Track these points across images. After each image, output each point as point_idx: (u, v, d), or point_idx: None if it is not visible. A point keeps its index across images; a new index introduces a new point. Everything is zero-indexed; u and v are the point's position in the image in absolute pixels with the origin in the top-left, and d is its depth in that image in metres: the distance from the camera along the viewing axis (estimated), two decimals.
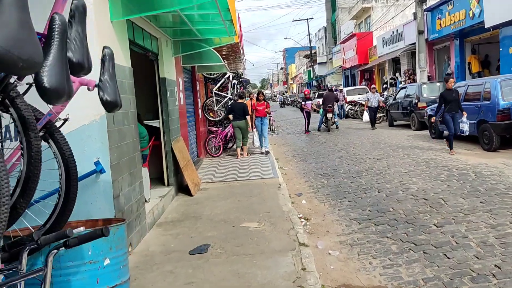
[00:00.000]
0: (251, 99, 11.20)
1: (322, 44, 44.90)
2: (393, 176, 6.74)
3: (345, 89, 22.47)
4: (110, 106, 2.10)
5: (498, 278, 3.14)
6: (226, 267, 3.57)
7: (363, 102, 18.43)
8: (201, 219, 5.17)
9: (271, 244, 4.06)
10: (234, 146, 11.72)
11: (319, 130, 15.44)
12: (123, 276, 2.23)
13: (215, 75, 11.53)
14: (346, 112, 20.64)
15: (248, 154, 10.31)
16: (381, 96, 16.89)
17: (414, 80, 17.41)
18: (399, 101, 14.53)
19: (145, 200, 5.24)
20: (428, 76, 16.98)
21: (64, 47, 1.64)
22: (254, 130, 10.82)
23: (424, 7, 16.55)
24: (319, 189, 6.71)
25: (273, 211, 5.23)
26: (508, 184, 5.56)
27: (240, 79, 14.18)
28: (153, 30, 5.96)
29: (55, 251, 1.60)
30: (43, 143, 1.90)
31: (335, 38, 40.08)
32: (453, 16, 14.71)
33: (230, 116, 10.28)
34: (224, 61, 11.27)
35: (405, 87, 14.90)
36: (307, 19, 43.29)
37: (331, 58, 38.95)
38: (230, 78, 11.60)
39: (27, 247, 1.61)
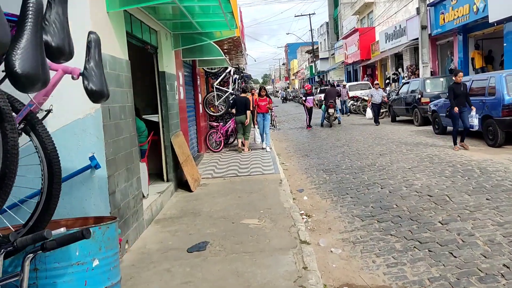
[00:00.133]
0: (252, 94, 11.03)
1: (324, 39, 44.59)
2: (396, 172, 6.62)
3: (347, 85, 22.24)
4: (95, 96, 1.96)
5: (508, 278, 3.02)
6: (224, 266, 3.46)
7: (366, 98, 18.26)
8: (200, 215, 5.07)
9: (271, 241, 3.95)
10: (235, 142, 11.65)
11: (322, 125, 15.30)
12: (113, 278, 2.11)
13: (216, 70, 11.39)
14: (349, 108, 20.41)
15: (249, 150, 10.20)
16: (383, 91, 16.68)
17: (418, 76, 17.22)
18: (402, 96, 14.36)
19: (143, 196, 5.14)
20: (431, 72, 16.80)
21: (40, 30, 1.51)
22: (256, 126, 10.66)
23: (428, 2, 16.33)
24: (321, 185, 6.59)
25: (274, 208, 5.12)
26: None
27: (242, 74, 14.02)
28: (152, 22, 5.84)
29: (31, 255, 1.48)
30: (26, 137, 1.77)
31: (337, 34, 39.78)
32: (457, 11, 14.49)
33: (233, 110, 10.24)
34: (226, 56, 11.13)
35: (408, 83, 14.73)
36: (309, 14, 43.03)
37: (333, 54, 38.68)
38: (231, 73, 11.45)
39: (2, 250, 1.49)
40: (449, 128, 10.55)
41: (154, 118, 6.41)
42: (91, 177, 3.69)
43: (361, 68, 29.53)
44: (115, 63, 4.14)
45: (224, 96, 10.75)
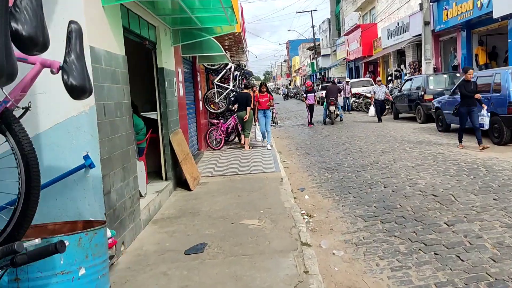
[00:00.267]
0: (253, 91, 10.88)
1: (326, 36, 44.32)
2: (400, 171, 6.48)
3: (350, 81, 22.01)
4: (76, 92, 1.82)
5: None
6: (223, 269, 3.34)
7: (368, 95, 18.06)
8: (199, 215, 4.95)
9: (271, 243, 3.83)
10: (236, 139, 11.53)
11: (324, 123, 15.14)
12: (102, 287, 1.99)
13: (216, 66, 11.24)
14: (350, 105, 20.20)
15: (250, 147, 10.08)
16: (386, 88, 16.44)
17: (421, 72, 17.02)
18: (405, 93, 14.19)
19: (141, 196, 5.02)
20: (434, 68, 16.60)
21: (4, 16, 1.37)
22: (257, 123, 10.51)
23: None
24: (322, 184, 6.47)
25: (275, 207, 4.99)
26: None
27: (243, 71, 13.87)
28: (151, 18, 5.70)
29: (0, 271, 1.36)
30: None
31: (339, 30, 39.52)
32: (460, 7, 14.28)
33: (235, 107, 10.13)
34: (227, 52, 10.98)
35: (410, 79, 14.55)
36: (311, 10, 42.80)
37: (335, 50, 38.45)
38: (232, 70, 11.31)
39: None
40: (453, 126, 10.39)
41: (152, 115, 6.29)
42: (85, 176, 3.58)
43: (363, 64, 29.32)
44: (111, 58, 4.02)
45: (225, 93, 10.61)
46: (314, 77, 47.35)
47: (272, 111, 13.62)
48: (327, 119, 15.09)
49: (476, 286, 2.92)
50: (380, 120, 14.22)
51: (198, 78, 9.89)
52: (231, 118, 11.02)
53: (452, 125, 10.40)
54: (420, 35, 16.51)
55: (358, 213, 4.84)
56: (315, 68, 45.63)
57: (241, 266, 3.36)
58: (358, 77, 28.86)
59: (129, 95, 4.53)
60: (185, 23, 6.68)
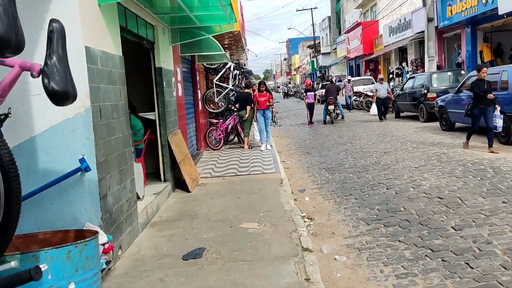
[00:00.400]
0: (253, 90, 10.75)
1: (326, 34, 44.15)
2: (402, 172, 6.36)
3: (352, 79, 21.80)
4: (58, 97, 1.69)
5: None
6: (221, 276, 3.24)
7: (369, 93, 17.90)
8: (197, 218, 4.84)
9: (271, 248, 3.72)
10: (235, 139, 11.42)
11: (324, 122, 15.00)
12: None
13: (216, 65, 11.12)
14: (351, 104, 20.02)
15: (249, 147, 9.96)
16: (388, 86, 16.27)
17: (423, 70, 16.86)
18: (407, 91, 14.03)
19: (139, 198, 4.92)
20: (437, 65, 16.44)
21: None
22: (255, 123, 10.37)
23: None
24: (323, 185, 6.35)
25: (274, 210, 4.88)
26: None
27: (242, 70, 13.74)
28: (149, 17, 5.59)
29: None
30: None
31: (339, 28, 39.34)
32: (465, 3, 14.12)
33: (237, 106, 10.00)
34: (226, 51, 10.86)
35: (413, 77, 14.38)
36: (311, 8, 42.65)
37: (335, 48, 38.27)
38: (232, 69, 11.19)
39: None
40: (457, 125, 10.27)
41: (150, 116, 6.19)
42: (81, 180, 3.48)
43: (363, 63, 29.15)
44: (107, 59, 3.91)
45: (224, 93, 10.50)
46: (314, 75, 47.18)
47: (272, 110, 13.47)
48: (327, 118, 14.96)
49: None
50: (382, 119, 14.07)
51: (197, 78, 9.77)
52: (230, 118, 10.91)
53: (456, 124, 10.26)
54: (423, 32, 16.32)
55: (360, 216, 4.72)
56: (315, 66, 45.47)
57: (240, 273, 3.25)
58: (359, 75, 28.67)
59: (126, 96, 4.42)
60: (184, 21, 6.57)
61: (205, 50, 8.26)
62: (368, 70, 28.18)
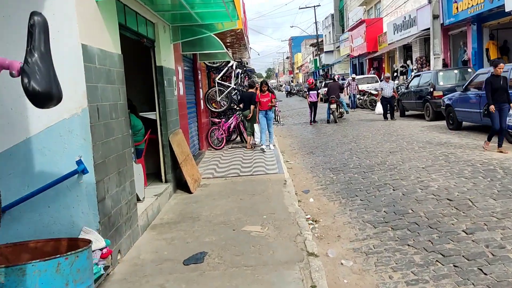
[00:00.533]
0: (257, 89, 10.60)
1: (329, 32, 43.88)
2: (409, 172, 6.21)
3: (356, 78, 21.56)
4: (40, 98, 1.54)
5: None
6: (223, 282, 3.11)
7: (373, 92, 17.69)
8: (199, 220, 4.72)
9: (275, 253, 3.59)
10: (238, 138, 11.29)
11: (328, 121, 14.83)
12: None
13: (218, 64, 10.99)
14: (355, 102, 19.80)
15: (252, 147, 9.83)
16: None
17: (428, 68, 16.64)
18: (413, 90, 13.83)
19: (139, 200, 4.80)
20: (443, 63, 16.22)
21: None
22: (257, 124, 10.15)
23: None
24: (327, 186, 6.22)
25: (278, 212, 4.75)
26: None
27: (245, 68, 13.60)
28: (149, 14, 5.47)
29: None
30: None
31: (342, 26, 39.08)
32: (471, 0, 13.92)
33: (241, 106, 9.94)
34: (228, 50, 10.72)
35: (419, 75, 14.16)
36: (314, 6, 42.27)
37: (339, 47, 38.03)
38: (234, 67, 11.05)
39: None
40: (465, 124, 10.09)
41: (151, 115, 6.07)
42: (78, 182, 3.38)
43: (367, 61, 28.91)
44: (106, 57, 3.80)
45: (226, 91, 10.37)
46: (317, 73, 46.96)
47: (275, 110, 13.26)
48: (331, 117, 14.78)
49: None
50: (386, 118, 13.86)
51: (199, 76, 9.64)
52: (232, 117, 10.78)
53: (464, 123, 10.08)
54: (428, 29, 16.10)
55: (367, 218, 4.58)
56: (318, 64, 45.24)
57: (243, 279, 3.13)
58: (362, 73, 28.46)
59: (125, 95, 4.30)
60: (185, 19, 6.44)
61: (206, 49, 8.13)
62: (372, 68, 27.95)
